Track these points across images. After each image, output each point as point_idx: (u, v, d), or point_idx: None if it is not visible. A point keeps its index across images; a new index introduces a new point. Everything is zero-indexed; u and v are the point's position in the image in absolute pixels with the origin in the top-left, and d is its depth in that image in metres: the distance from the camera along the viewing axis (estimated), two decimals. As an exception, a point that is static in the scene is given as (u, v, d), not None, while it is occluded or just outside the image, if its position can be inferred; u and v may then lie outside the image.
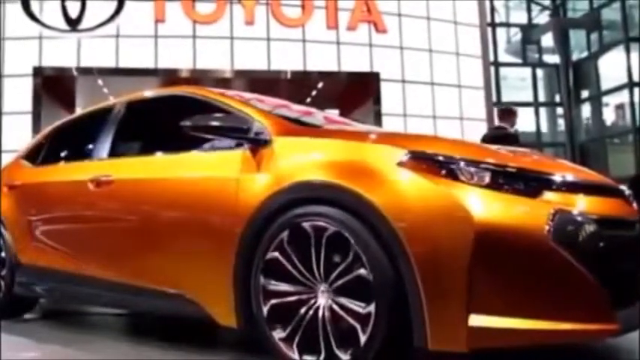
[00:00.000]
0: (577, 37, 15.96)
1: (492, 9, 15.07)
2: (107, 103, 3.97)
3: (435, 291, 1.93)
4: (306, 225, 2.22)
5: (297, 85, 11.34)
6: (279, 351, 2.24)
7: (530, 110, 16.00)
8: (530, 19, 16.40)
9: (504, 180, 2.02)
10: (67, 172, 3.64)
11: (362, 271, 2.06)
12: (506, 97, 15.29)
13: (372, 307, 2.02)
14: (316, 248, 2.19)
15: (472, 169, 2.03)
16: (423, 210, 1.99)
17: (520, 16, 16.61)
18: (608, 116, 15.69)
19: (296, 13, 10.76)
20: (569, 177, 2.18)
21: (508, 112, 6.78)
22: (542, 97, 16.32)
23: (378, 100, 10.97)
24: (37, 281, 3.60)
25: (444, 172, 2.04)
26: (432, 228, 1.97)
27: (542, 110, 16.44)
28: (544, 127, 16.62)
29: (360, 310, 2.05)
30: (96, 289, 3.16)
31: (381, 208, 2.04)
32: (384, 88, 10.97)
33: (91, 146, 3.53)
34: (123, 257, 3.05)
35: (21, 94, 9.79)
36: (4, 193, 3.94)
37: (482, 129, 11.35)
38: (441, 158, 2.07)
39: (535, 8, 16.40)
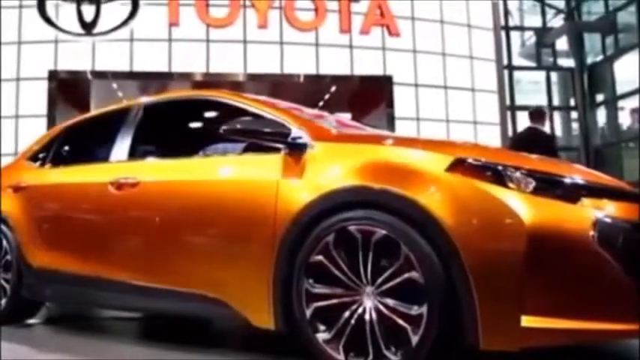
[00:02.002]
0: (592, 40, 15.82)
1: (506, 12, 14.97)
2: (121, 104, 3.93)
3: (488, 293, 2.00)
4: (352, 228, 2.25)
5: (310, 89, 11.34)
6: (323, 353, 2.27)
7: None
8: (544, 22, 16.27)
9: (548, 186, 2.12)
10: (82, 173, 3.59)
11: (413, 273, 2.12)
12: (520, 101, 15.17)
13: (423, 309, 2.08)
14: (363, 251, 2.23)
15: (518, 176, 2.12)
16: (475, 214, 2.07)
17: (534, 20, 16.48)
18: (624, 120, 15.52)
19: (309, 17, 10.77)
20: (600, 183, 2.34)
21: (538, 114, 6.88)
22: (556, 101, 16.17)
23: (391, 104, 10.94)
24: (50, 285, 3.53)
25: (492, 178, 2.12)
26: (484, 231, 2.05)
27: (557, 114, 16.31)
28: (558, 131, 16.49)
29: (410, 312, 2.11)
30: (117, 292, 3.11)
31: (433, 212, 2.11)
32: (397, 91, 10.95)
33: (107, 148, 3.48)
34: (150, 260, 3.01)
35: (36, 97, 9.88)
36: (8, 195, 3.87)
37: (496, 133, 11.32)
38: (488, 165, 2.16)
39: (550, 12, 16.28)
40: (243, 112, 2.89)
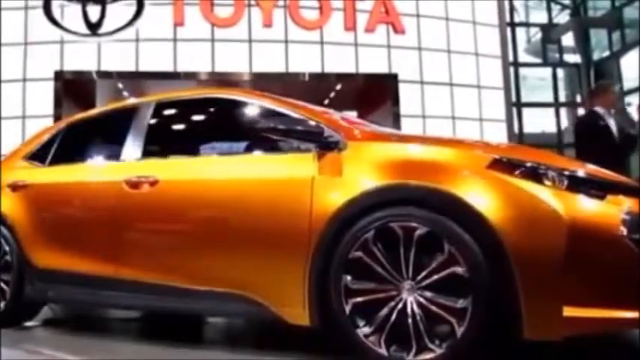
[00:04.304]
0: (598, 36, 15.76)
1: (512, 9, 14.93)
2: (128, 102, 3.86)
3: (531, 284, 2.10)
4: (394, 225, 2.31)
5: (315, 87, 11.33)
6: (365, 347, 2.31)
7: (551, 110, 15.83)
8: (550, 18, 16.22)
9: (579, 184, 2.25)
10: (91, 172, 3.53)
11: (457, 268, 2.18)
12: (526, 98, 15.14)
13: (468, 302, 2.15)
14: (405, 247, 2.29)
15: (553, 174, 2.23)
16: (517, 210, 2.17)
17: (540, 16, 16.43)
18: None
19: (314, 15, 10.76)
20: (617, 181, 2.45)
21: (600, 91, 5.03)
22: (562, 97, 16.13)
23: (396, 102, 10.93)
24: (57, 285, 3.44)
25: (529, 175, 2.24)
26: (526, 225, 2.15)
27: (563, 110, 16.26)
28: (565, 128, 16.44)
29: (455, 305, 2.18)
30: (139, 292, 3.05)
31: (477, 208, 2.19)
32: (403, 89, 10.93)
33: (115, 146, 3.41)
34: (174, 259, 2.96)
35: (43, 97, 9.92)
36: (6, 195, 3.75)
37: (502, 130, 11.29)
38: (526, 164, 2.28)
39: (555, 7, 16.23)
40: (271, 112, 2.90)
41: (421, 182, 2.33)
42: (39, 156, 3.94)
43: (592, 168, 2.69)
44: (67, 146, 3.91)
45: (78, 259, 3.33)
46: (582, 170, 2.40)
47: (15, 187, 3.76)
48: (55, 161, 3.84)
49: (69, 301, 3.78)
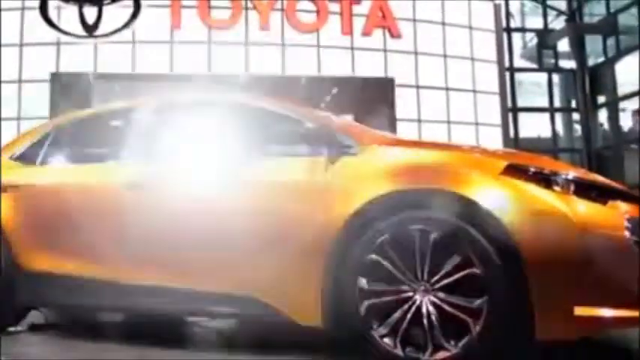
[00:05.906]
0: (593, 42, 15.82)
1: (508, 14, 14.97)
2: (126, 103, 3.78)
3: (544, 285, 2.18)
4: (410, 228, 2.38)
5: (312, 90, 11.35)
6: (380, 348, 2.35)
7: (546, 116, 15.89)
8: (546, 24, 16.25)
9: (584, 190, 2.34)
10: (90, 173, 3.41)
11: (472, 269, 2.25)
12: (521, 103, 15.18)
13: (483, 302, 2.22)
14: (421, 250, 2.35)
15: (562, 180, 2.33)
16: (530, 213, 2.27)
17: (536, 21, 16.48)
18: (625, 122, 15.52)
19: (311, 19, 10.78)
20: (615, 186, 2.54)
21: None
22: (557, 103, 16.18)
23: (392, 106, 10.95)
24: (53, 289, 3.33)
25: (540, 181, 2.34)
26: (539, 228, 2.24)
27: (558, 116, 16.31)
28: (560, 133, 16.49)
29: (470, 305, 2.25)
30: (137, 296, 3.01)
31: (493, 212, 2.27)
32: (399, 93, 10.96)
33: (114, 147, 3.35)
34: (182, 262, 2.92)
35: (38, 99, 9.90)
36: None
37: (497, 135, 11.33)
38: (536, 170, 2.38)
39: (551, 13, 16.28)
40: (281, 117, 2.90)
41: (435, 186, 2.39)
42: (29, 156, 3.76)
43: (590, 174, 2.74)
44: (61, 146, 3.77)
45: (76, 261, 3.24)
46: (583, 176, 2.48)
47: (4, 188, 3.58)
48: (48, 162, 3.69)
49: (62, 305, 3.66)
